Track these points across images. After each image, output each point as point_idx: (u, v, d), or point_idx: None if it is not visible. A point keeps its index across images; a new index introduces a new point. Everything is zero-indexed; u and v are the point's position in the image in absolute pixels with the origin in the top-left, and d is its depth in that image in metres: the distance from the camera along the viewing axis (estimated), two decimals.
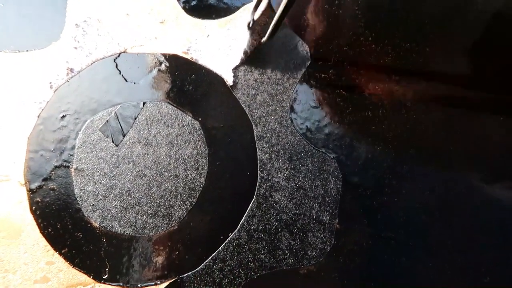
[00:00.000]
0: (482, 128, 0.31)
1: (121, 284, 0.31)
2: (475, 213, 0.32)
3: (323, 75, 0.33)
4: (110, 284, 0.31)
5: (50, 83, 0.33)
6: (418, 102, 0.33)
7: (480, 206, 0.32)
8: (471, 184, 0.32)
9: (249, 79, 0.33)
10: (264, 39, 0.30)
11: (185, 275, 0.31)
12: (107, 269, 0.31)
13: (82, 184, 0.32)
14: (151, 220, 0.32)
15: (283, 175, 0.32)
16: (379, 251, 0.32)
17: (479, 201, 0.32)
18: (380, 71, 0.33)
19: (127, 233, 0.32)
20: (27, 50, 0.33)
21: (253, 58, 0.32)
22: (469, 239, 0.31)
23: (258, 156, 0.32)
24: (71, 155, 0.32)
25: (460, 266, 0.31)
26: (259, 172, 0.32)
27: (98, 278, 0.31)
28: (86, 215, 0.32)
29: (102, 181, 0.32)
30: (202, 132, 0.33)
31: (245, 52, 0.31)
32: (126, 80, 0.33)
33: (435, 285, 0.31)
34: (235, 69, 0.33)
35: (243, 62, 0.31)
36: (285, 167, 0.32)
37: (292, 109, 0.33)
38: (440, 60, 0.31)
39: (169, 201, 0.32)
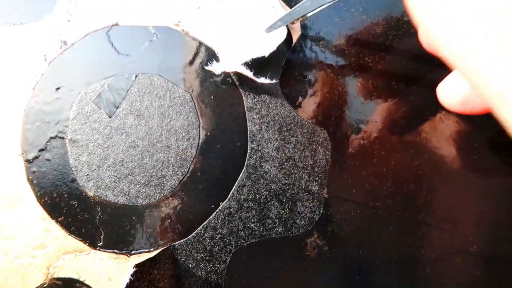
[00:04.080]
0: None
1: (116, 250, 0.32)
2: (465, 180, 0.32)
3: (313, 46, 0.33)
4: (105, 251, 0.32)
5: (45, 55, 0.33)
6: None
7: (472, 173, 0.32)
8: (461, 150, 0.32)
9: (239, 50, 0.33)
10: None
11: (177, 242, 0.32)
12: (102, 237, 0.32)
13: (76, 155, 0.33)
14: (143, 190, 0.32)
15: (273, 145, 0.32)
16: (367, 220, 0.32)
17: (471, 168, 0.32)
18: (372, 42, 0.33)
19: (120, 202, 0.32)
20: (21, 23, 0.34)
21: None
22: (457, 207, 0.32)
23: (248, 127, 0.33)
24: (65, 126, 0.33)
25: (448, 235, 0.32)
26: (249, 143, 0.33)
27: (93, 245, 0.32)
28: (81, 185, 0.32)
29: (96, 152, 0.33)
30: (194, 104, 0.33)
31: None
32: (118, 53, 0.34)
33: (423, 253, 0.32)
34: (227, 40, 0.33)
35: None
36: (275, 138, 0.33)
37: (282, 80, 0.33)
38: None
39: (161, 171, 0.33)
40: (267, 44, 0.32)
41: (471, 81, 0.14)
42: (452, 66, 0.15)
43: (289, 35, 0.32)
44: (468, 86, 0.20)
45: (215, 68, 0.32)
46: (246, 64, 0.31)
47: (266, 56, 0.31)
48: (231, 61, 0.31)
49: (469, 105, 0.20)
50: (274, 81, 0.32)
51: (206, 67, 0.32)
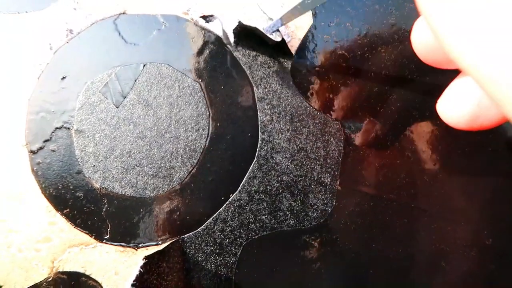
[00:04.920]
0: None
1: (123, 244, 0.31)
2: (480, 175, 0.31)
3: (325, 36, 0.33)
4: (111, 244, 0.31)
5: (50, 44, 0.33)
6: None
7: (488, 168, 0.31)
8: (478, 145, 0.31)
9: (250, 40, 0.32)
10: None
11: (186, 235, 0.31)
12: (108, 229, 0.31)
13: (83, 146, 0.32)
14: (152, 181, 0.32)
15: (284, 136, 0.32)
16: (381, 212, 0.31)
17: (487, 163, 0.31)
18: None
19: (128, 194, 0.32)
20: (26, 12, 0.33)
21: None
22: (472, 201, 0.31)
23: (259, 117, 0.32)
24: (71, 116, 0.32)
25: (462, 228, 0.31)
26: (260, 133, 0.32)
27: (99, 238, 0.31)
28: (87, 176, 0.32)
29: (103, 143, 0.32)
30: (203, 94, 0.32)
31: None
32: (126, 42, 0.33)
33: (437, 246, 0.31)
34: (236, 30, 0.32)
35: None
36: (286, 128, 0.32)
37: (294, 70, 0.32)
38: None
39: (170, 162, 0.32)
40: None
41: (487, 86, 0.13)
42: (463, 69, 0.13)
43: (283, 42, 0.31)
44: (476, 99, 0.18)
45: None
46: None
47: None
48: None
49: (478, 121, 0.17)
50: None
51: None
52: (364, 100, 0.32)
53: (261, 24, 0.31)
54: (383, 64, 0.32)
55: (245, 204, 0.31)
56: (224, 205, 0.31)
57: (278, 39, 0.30)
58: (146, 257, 0.30)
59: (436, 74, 0.32)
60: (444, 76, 0.31)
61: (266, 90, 0.32)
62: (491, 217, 0.31)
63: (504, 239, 0.31)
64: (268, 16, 0.32)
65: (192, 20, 0.33)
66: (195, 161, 0.32)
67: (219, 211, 0.31)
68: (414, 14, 0.33)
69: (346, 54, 0.33)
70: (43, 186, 0.32)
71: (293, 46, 0.32)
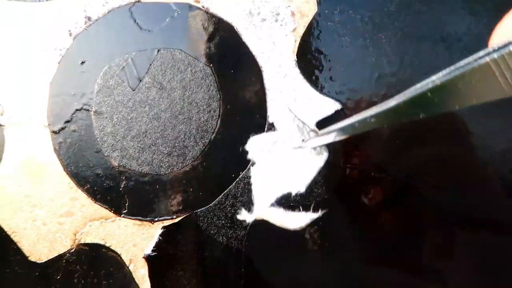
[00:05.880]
0: None
1: (140, 217, 0.34)
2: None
3: (329, 23, 0.35)
4: (129, 218, 0.34)
5: (69, 31, 0.35)
6: None
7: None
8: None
9: (261, 27, 0.34)
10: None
11: (199, 210, 0.34)
12: (126, 204, 0.34)
13: (101, 126, 0.34)
14: (166, 159, 0.34)
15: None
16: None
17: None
18: None
19: (144, 171, 0.34)
20: (46, 0, 0.35)
21: None
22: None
23: (267, 100, 0.34)
24: (90, 99, 0.34)
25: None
26: (267, 115, 0.34)
27: (118, 212, 0.34)
28: (106, 155, 0.34)
29: (120, 123, 0.34)
30: (214, 78, 0.34)
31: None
32: (141, 28, 0.35)
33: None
34: (246, 17, 0.34)
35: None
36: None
37: (299, 55, 0.34)
38: None
39: (183, 142, 0.34)
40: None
41: None
42: None
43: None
44: None
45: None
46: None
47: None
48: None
49: None
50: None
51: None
52: (367, 84, 0.34)
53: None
54: (383, 50, 0.34)
55: (253, 181, 0.33)
56: (234, 182, 0.34)
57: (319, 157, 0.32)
58: (164, 227, 0.32)
59: (441, 60, 0.34)
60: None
61: (274, 73, 0.34)
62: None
63: None
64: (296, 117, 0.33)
65: (203, 7, 0.35)
66: (206, 140, 0.34)
67: (229, 187, 0.34)
68: (413, 2, 0.35)
69: (349, 39, 0.35)
70: (65, 164, 0.34)
71: (299, 33, 0.34)
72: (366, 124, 0.20)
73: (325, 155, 0.32)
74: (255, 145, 0.32)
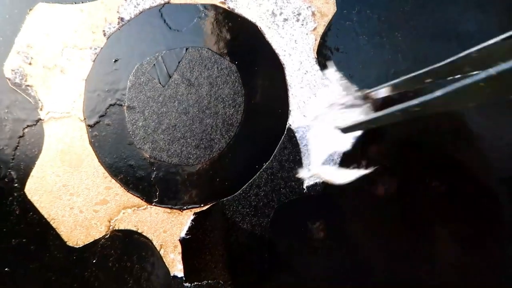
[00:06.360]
0: None
1: (170, 206, 0.36)
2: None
3: (347, 22, 0.37)
4: (160, 206, 0.36)
5: (104, 31, 0.37)
6: None
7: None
8: None
9: (283, 26, 0.36)
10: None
11: (225, 199, 0.36)
12: (157, 193, 0.36)
13: (134, 120, 0.36)
14: (194, 151, 0.36)
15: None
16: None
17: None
18: None
19: (174, 162, 0.36)
20: (82, 2, 0.37)
21: None
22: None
23: (289, 95, 0.36)
24: (123, 94, 0.36)
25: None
26: (289, 109, 0.36)
27: (149, 201, 0.36)
28: (138, 147, 0.36)
29: (151, 118, 0.36)
30: (239, 74, 0.36)
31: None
32: (170, 28, 0.37)
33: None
34: (269, 17, 0.36)
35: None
36: None
37: (319, 52, 0.36)
38: None
39: (210, 135, 0.36)
40: None
41: None
42: None
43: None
44: None
45: None
46: None
47: None
48: None
49: None
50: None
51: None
52: (383, 77, 0.36)
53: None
54: (399, 47, 0.36)
55: (276, 171, 0.36)
56: (258, 172, 0.36)
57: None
58: (195, 213, 0.34)
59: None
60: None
61: (296, 69, 0.36)
62: None
63: None
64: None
65: (229, 8, 0.37)
66: (232, 133, 0.36)
67: (253, 177, 0.36)
68: (427, 2, 0.36)
69: (366, 38, 0.36)
70: (99, 155, 0.36)
71: (319, 32, 0.36)
72: (408, 113, 0.22)
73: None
74: (312, 108, 0.35)
